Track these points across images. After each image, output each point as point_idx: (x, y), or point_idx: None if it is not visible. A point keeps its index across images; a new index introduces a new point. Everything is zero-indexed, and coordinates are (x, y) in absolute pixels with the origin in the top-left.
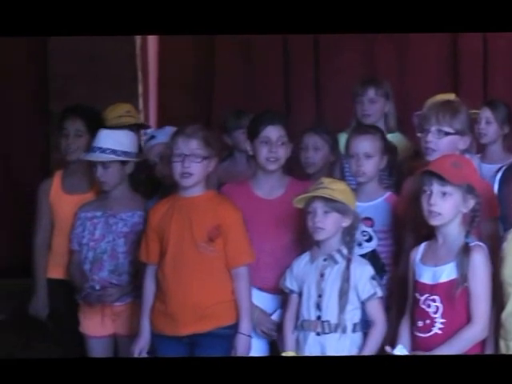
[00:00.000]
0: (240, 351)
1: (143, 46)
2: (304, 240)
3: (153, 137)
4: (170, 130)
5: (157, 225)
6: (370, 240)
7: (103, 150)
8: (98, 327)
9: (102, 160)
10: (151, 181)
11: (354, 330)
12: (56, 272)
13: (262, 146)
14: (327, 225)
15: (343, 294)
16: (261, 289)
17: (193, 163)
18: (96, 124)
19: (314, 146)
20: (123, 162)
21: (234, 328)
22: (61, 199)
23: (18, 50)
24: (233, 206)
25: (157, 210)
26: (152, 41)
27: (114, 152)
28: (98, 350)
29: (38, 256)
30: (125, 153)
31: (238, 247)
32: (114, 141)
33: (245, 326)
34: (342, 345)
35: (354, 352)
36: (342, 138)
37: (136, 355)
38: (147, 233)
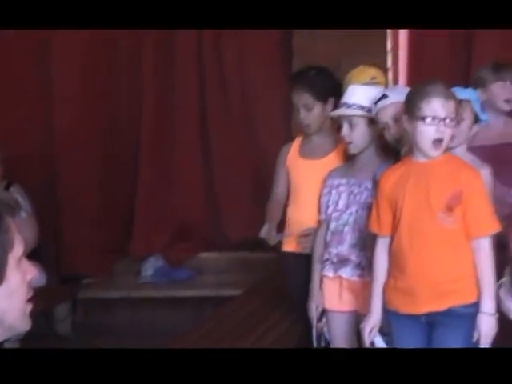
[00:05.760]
0: (484, 332)
1: None
2: None
3: (385, 96)
4: (403, 88)
5: (389, 192)
6: None
7: (349, 106)
8: (335, 301)
9: (348, 114)
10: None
11: None
12: (290, 245)
13: None
14: None
15: None
16: None
17: (448, 128)
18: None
19: None
20: (371, 121)
21: (476, 307)
22: (296, 163)
23: None
24: (474, 169)
25: (389, 176)
26: None
27: (361, 108)
28: (336, 326)
29: None
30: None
31: (480, 216)
32: (363, 97)
33: (488, 305)
34: None
35: None
36: None
37: (367, 334)
38: (378, 201)
